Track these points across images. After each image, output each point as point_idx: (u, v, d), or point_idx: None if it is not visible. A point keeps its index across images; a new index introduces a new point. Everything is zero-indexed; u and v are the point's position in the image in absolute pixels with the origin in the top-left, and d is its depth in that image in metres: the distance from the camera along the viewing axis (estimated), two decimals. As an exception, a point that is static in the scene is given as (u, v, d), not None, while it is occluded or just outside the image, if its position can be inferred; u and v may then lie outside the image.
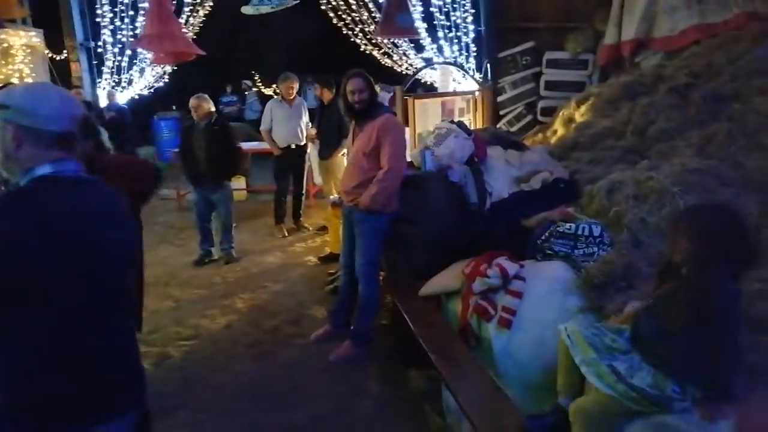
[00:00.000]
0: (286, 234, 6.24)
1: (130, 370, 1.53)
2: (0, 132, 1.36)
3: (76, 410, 1.38)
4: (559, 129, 5.19)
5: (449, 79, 7.04)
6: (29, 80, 7.98)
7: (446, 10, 7.29)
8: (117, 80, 8.81)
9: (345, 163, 5.75)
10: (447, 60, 7.33)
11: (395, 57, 8.41)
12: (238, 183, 7.41)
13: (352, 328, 3.68)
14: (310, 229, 6.40)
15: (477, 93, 5.77)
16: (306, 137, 6.11)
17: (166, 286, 4.88)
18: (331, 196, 5.50)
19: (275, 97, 5.99)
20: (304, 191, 6.41)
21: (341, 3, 8.32)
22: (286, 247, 5.92)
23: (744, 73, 4.01)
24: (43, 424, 1.36)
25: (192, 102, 5.21)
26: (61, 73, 8.73)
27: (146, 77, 8.97)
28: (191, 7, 8.34)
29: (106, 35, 8.45)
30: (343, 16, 8.52)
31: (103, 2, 8.33)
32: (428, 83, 8.05)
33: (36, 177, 1.36)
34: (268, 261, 5.53)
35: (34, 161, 1.36)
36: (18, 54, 7.90)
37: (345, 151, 5.76)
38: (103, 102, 8.72)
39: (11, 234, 1.26)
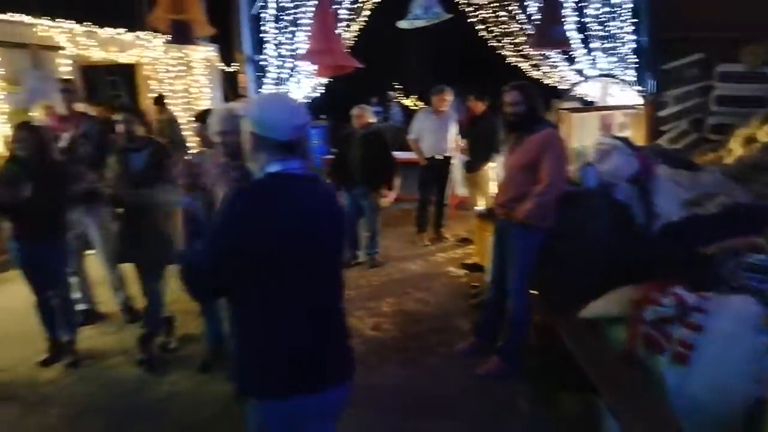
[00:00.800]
0: (428, 243, 6.33)
1: (348, 348, 1.83)
2: (246, 135, 1.72)
3: (308, 377, 1.69)
4: (735, 149, 4.71)
5: (606, 93, 6.71)
6: (205, 90, 8.97)
7: (603, 19, 6.95)
8: (278, 91, 9.53)
9: (491, 176, 5.73)
10: (602, 72, 6.99)
11: (545, 69, 8.19)
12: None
13: (500, 343, 3.64)
14: (451, 239, 6.43)
15: (638, 108, 5.43)
16: (453, 149, 6.16)
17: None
18: (477, 207, 5.49)
19: (426, 107, 6.14)
20: (446, 202, 6.46)
21: (490, 15, 8.29)
22: (427, 256, 6.01)
23: None
24: (285, 386, 1.67)
25: (356, 111, 5.52)
26: (230, 83, 9.66)
27: (303, 88, 9.62)
28: (346, 23, 8.82)
29: (269, 49, 9.23)
30: (491, 28, 8.48)
31: (267, 20, 9.14)
32: (580, 96, 7.72)
33: (268, 173, 1.69)
34: (410, 268, 5.66)
35: (266, 160, 1.68)
36: (197, 67, 8.88)
37: (492, 164, 5.74)
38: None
39: (244, 214, 1.60)
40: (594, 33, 6.99)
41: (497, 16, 8.18)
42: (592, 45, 7.02)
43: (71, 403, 3.36)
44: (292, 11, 9.02)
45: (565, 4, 6.77)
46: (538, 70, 8.31)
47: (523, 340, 3.60)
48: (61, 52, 6.75)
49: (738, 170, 4.07)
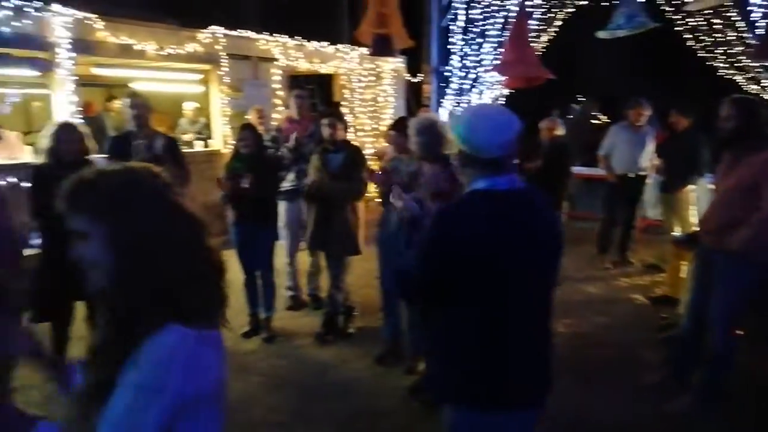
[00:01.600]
0: (609, 266, 5.95)
1: (551, 368, 1.75)
2: (455, 151, 1.74)
3: (514, 393, 1.66)
4: None
5: None
6: (391, 99, 9.47)
7: None
8: (458, 101, 9.71)
9: (691, 199, 5.20)
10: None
11: (766, 83, 7.21)
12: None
13: (694, 381, 3.29)
14: (637, 264, 5.96)
15: None
16: (649, 167, 5.71)
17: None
18: (673, 233, 5.02)
19: (621, 122, 5.77)
20: (634, 224, 6.01)
21: (702, 23, 7.54)
22: (608, 280, 5.64)
23: None
24: (488, 399, 1.65)
25: (547, 123, 5.43)
26: (414, 93, 10.07)
27: (485, 99, 9.66)
28: (537, 33, 8.68)
29: (454, 60, 9.44)
30: (702, 37, 7.70)
31: (456, 32, 9.36)
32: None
33: (473, 190, 1.68)
34: (588, 290, 5.37)
35: (472, 177, 1.68)
36: (386, 77, 9.40)
37: (692, 186, 5.22)
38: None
39: (445, 233, 1.62)
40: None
41: (710, 24, 7.42)
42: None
43: (269, 374, 3.77)
44: (481, 23, 9.14)
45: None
46: (758, 84, 7.36)
47: (722, 381, 3.21)
48: (275, 63, 7.64)
49: None
